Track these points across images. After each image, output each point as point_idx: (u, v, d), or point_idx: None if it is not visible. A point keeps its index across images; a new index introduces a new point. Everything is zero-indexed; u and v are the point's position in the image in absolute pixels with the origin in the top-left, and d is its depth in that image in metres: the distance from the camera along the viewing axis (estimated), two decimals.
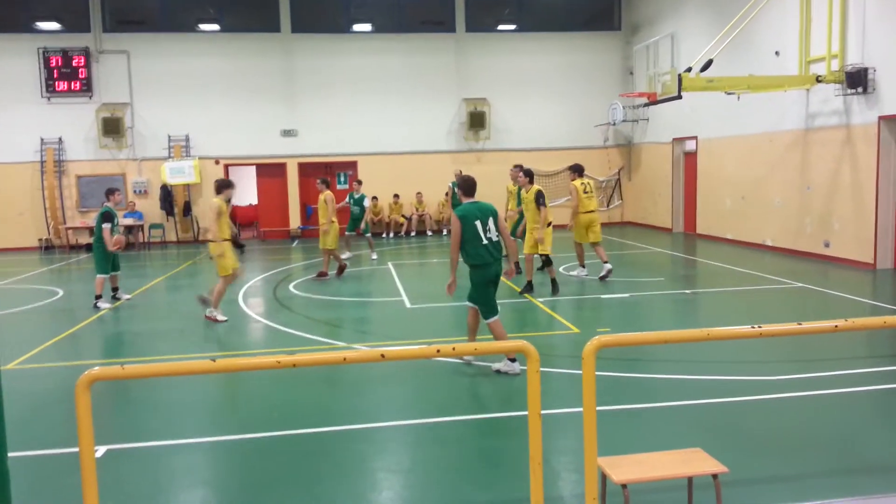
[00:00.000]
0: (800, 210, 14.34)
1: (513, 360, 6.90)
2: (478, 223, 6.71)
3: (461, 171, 13.46)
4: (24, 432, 5.68)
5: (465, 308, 7.22)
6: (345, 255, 14.79)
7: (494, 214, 6.86)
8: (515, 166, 12.90)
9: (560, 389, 6.34)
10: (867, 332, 8.03)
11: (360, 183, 15.83)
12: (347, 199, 15.55)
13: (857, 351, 7.48)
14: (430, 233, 21.36)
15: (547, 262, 10.92)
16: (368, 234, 16.08)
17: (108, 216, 10.83)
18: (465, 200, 6.89)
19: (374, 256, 15.86)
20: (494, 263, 6.80)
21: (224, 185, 9.81)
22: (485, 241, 6.72)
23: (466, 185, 6.91)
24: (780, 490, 4.32)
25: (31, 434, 5.69)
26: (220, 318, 9.61)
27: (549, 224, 10.78)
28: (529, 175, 10.90)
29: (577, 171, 12.07)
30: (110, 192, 11.23)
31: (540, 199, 10.53)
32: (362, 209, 15.32)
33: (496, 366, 6.93)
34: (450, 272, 6.96)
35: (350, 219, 15.49)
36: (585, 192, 11.85)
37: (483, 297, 6.84)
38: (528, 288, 10.83)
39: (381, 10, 21.62)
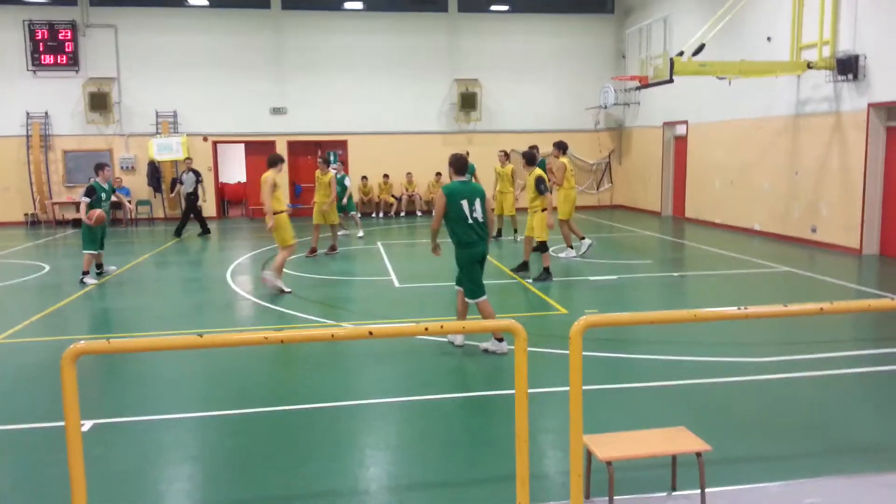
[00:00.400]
0: (788, 195, 14.43)
1: (500, 340, 6.93)
2: (464, 202, 6.70)
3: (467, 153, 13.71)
4: (9, 406, 5.67)
5: (453, 288, 7.23)
6: (341, 233, 15.10)
7: (482, 195, 6.85)
8: (502, 151, 14.83)
9: (547, 369, 6.38)
10: (851, 316, 8.12)
11: (341, 163, 16.17)
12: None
13: (842, 334, 7.57)
14: (419, 213, 21.32)
15: (542, 247, 10.54)
16: (354, 213, 16.13)
17: (89, 191, 10.74)
18: (455, 179, 6.87)
19: (361, 234, 15.92)
20: (480, 243, 6.81)
21: (277, 160, 9.91)
22: (470, 221, 6.71)
23: (458, 164, 6.89)
24: (763, 469, 4.39)
25: (17, 408, 5.68)
26: (285, 288, 9.84)
27: (543, 209, 10.29)
28: (530, 157, 10.47)
29: (562, 148, 12.19)
30: (99, 168, 11.14)
31: (541, 184, 10.14)
32: (344, 188, 15.44)
33: (483, 345, 6.97)
34: (431, 241, 7.12)
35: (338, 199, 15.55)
36: (570, 169, 12.22)
37: (469, 276, 6.85)
38: (523, 267, 10.84)
39: None
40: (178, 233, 16.73)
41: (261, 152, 21.19)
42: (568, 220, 12.37)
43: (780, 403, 5.60)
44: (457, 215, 6.70)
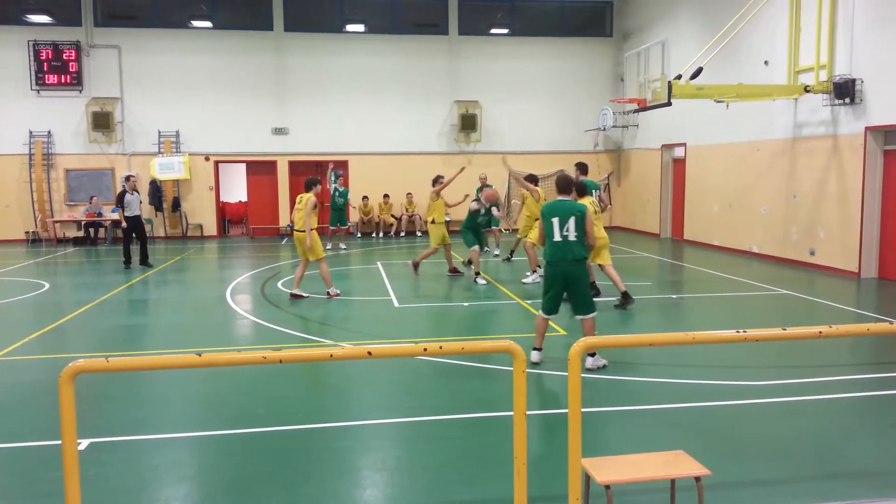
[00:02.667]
0: (786, 218, 14.47)
1: (592, 355, 6.93)
2: (555, 220, 6.75)
3: (486, 177, 13.76)
4: (6, 424, 5.65)
5: (451, 308, 7.24)
6: (328, 247, 15.41)
7: (578, 214, 6.77)
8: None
9: (546, 390, 6.36)
10: (850, 340, 8.11)
11: (340, 175, 16.76)
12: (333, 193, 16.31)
13: (841, 358, 7.56)
14: (419, 233, 21.36)
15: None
16: (347, 226, 16.75)
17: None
18: (559, 197, 6.95)
19: (344, 247, 16.78)
20: (563, 263, 6.74)
21: (315, 182, 10.90)
22: (557, 239, 6.74)
23: (561, 183, 7.00)
24: (762, 494, 4.37)
25: (14, 426, 5.65)
26: (334, 291, 11.03)
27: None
28: (580, 188, 10.26)
29: (583, 169, 11.50)
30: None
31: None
32: (346, 201, 15.80)
33: (588, 362, 6.89)
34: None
35: (333, 211, 15.99)
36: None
37: (543, 292, 6.95)
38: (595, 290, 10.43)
39: (374, 11, 21.63)
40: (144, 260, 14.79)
41: (262, 172, 21.33)
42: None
43: (779, 427, 5.58)
44: (548, 233, 6.79)
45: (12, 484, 4.65)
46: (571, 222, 6.72)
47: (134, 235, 14.69)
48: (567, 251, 6.72)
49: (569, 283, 6.81)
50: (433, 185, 12.84)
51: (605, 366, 6.93)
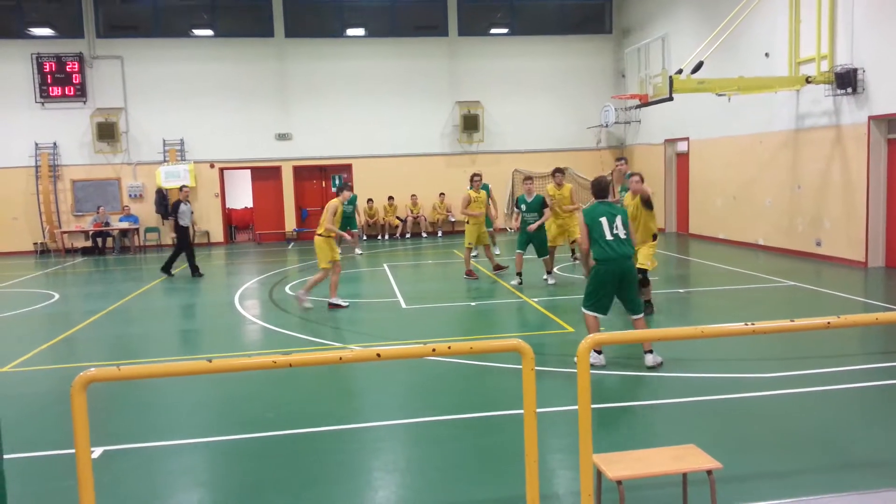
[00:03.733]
0: (791, 210, 14.44)
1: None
2: (603, 220, 6.84)
3: (481, 177, 13.33)
4: (20, 434, 5.69)
5: (459, 308, 7.25)
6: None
7: (622, 213, 7.00)
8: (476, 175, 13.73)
9: (555, 388, 6.37)
10: (859, 330, 8.09)
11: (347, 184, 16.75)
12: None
13: (850, 348, 7.54)
14: (424, 235, 21.38)
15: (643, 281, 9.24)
16: (356, 230, 17.07)
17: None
18: (597, 201, 7.04)
19: (359, 252, 16.62)
20: (619, 260, 6.79)
21: (345, 187, 10.77)
22: (609, 238, 6.80)
23: (599, 186, 7.10)
24: (774, 486, 4.37)
25: (28, 436, 5.70)
26: (343, 303, 10.43)
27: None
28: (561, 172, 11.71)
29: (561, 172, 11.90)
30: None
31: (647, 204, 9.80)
32: (354, 208, 16.29)
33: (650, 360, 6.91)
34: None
35: (344, 219, 15.82)
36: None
37: (594, 291, 6.88)
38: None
39: (374, 14, 21.68)
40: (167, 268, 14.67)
41: (267, 178, 21.40)
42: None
43: (789, 419, 5.58)
44: (598, 234, 6.84)
45: (28, 493, 4.69)
46: (618, 221, 6.87)
47: (176, 243, 14.56)
48: (620, 248, 6.81)
49: (623, 281, 6.86)
50: (471, 184, 12.53)
51: (661, 363, 6.89)
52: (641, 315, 6.96)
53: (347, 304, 10.51)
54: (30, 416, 6.27)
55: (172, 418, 6.12)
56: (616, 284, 6.86)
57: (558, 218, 11.74)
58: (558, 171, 11.94)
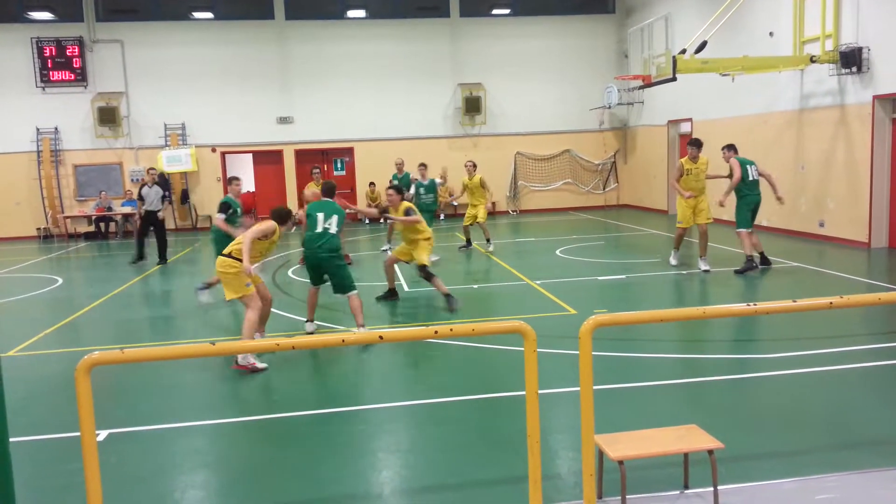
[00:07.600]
0: (794, 190, 14.37)
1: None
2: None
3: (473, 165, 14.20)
4: (25, 417, 5.73)
5: (461, 290, 7.25)
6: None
7: None
8: (469, 162, 14.50)
9: (557, 369, 6.39)
10: (862, 310, 8.09)
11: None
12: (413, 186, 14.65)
13: (852, 328, 7.54)
14: None
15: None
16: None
17: (224, 206, 9.96)
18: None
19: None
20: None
21: (231, 181, 10.58)
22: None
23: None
24: (775, 465, 4.39)
25: (33, 419, 5.74)
26: (259, 365, 6.87)
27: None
28: (698, 145, 11.04)
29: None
30: (230, 182, 10.63)
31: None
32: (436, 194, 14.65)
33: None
34: None
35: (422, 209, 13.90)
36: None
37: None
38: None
39: None
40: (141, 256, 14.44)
41: (269, 161, 21.35)
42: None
43: (791, 399, 5.59)
44: None
45: (34, 476, 4.73)
46: None
47: (152, 230, 14.31)
48: None
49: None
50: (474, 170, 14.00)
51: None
52: None
53: (266, 366, 6.81)
54: (35, 399, 6.31)
55: (177, 401, 6.16)
56: None
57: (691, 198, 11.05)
58: (694, 145, 11.12)
